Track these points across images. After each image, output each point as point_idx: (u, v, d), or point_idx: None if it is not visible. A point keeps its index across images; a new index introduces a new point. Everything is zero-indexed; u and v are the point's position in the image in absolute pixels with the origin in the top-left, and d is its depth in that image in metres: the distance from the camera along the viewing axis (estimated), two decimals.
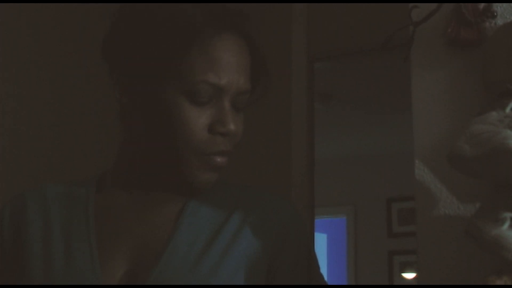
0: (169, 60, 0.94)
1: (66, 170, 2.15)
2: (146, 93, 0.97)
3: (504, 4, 1.22)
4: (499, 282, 0.95)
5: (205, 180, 0.98)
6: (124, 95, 0.99)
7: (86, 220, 1.01)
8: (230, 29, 0.99)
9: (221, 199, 1.04)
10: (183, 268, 0.94)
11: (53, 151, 2.22)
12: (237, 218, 1.00)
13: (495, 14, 1.21)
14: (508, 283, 0.95)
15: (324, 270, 6.44)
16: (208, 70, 0.94)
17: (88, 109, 2.32)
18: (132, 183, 1.04)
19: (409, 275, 5.44)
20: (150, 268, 0.95)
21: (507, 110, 1.03)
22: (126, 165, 1.04)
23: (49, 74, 2.19)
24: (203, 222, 1.00)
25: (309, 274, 1.05)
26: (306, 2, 2.87)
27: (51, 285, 0.95)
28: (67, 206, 1.04)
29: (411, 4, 1.27)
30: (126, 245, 0.99)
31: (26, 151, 2.10)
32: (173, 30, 0.94)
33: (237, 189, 1.07)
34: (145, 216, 1.01)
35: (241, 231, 0.99)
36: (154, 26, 0.95)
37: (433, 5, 1.22)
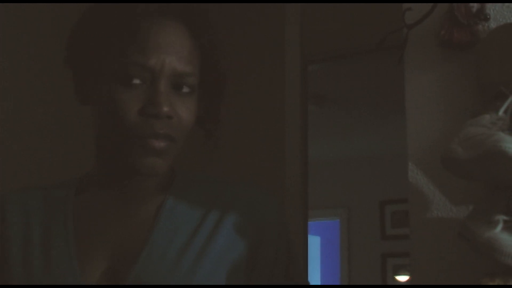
0: (108, 49, 0.97)
1: (64, 169, 2.14)
2: (96, 88, 0.99)
3: (497, 7, 1.22)
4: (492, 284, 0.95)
5: (146, 165, 0.96)
6: (82, 96, 1.03)
7: (65, 222, 1.02)
8: (165, 15, 0.99)
9: (201, 195, 1.04)
10: (162, 267, 0.94)
11: (52, 152, 2.21)
12: (215, 215, 1.00)
13: (488, 16, 1.21)
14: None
15: (317, 272, 6.44)
16: (135, 52, 0.95)
17: (86, 108, 2.31)
18: (108, 182, 1.04)
19: (403, 278, 5.45)
20: (129, 267, 0.95)
21: (500, 112, 1.03)
22: (101, 165, 1.05)
23: (49, 74, 2.19)
24: (182, 219, 1.00)
25: (288, 269, 1.04)
26: (299, 2, 2.88)
27: (49, 285, 0.95)
28: (47, 209, 1.04)
29: (404, 7, 1.27)
30: (104, 245, 0.99)
31: (25, 151, 2.09)
32: (113, 21, 0.97)
33: (219, 185, 1.06)
34: (123, 215, 1.01)
35: (218, 227, 0.99)
36: (101, 21, 0.99)
37: (427, 8, 1.22)
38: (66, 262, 0.97)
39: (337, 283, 5.87)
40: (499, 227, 0.96)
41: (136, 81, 0.95)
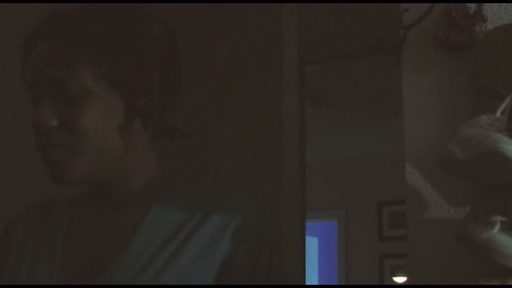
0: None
1: None
2: None
3: (495, 8, 1.22)
4: None
5: (53, 177, 0.97)
6: None
7: (56, 233, 1.04)
8: (46, 32, 1.00)
9: (186, 205, 1.03)
10: (128, 274, 0.95)
11: None
12: (192, 224, 0.99)
13: (486, 18, 1.21)
14: None
15: (315, 273, 6.44)
16: (22, 72, 1.01)
17: None
18: (98, 195, 1.05)
19: (400, 279, 5.45)
20: (98, 274, 0.97)
21: (498, 113, 1.03)
22: None
23: None
24: (161, 229, 1.00)
25: (270, 278, 1.01)
26: (297, 3, 2.88)
27: (49, 285, 0.97)
28: (44, 221, 1.07)
29: (402, 7, 1.27)
30: (85, 255, 1.00)
31: (25, 151, 2.09)
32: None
33: (208, 196, 1.05)
34: (107, 226, 1.02)
35: (194, 235, 0.98)
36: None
37: (424, 8, 1.23)
38: (48, 272, 0.99)
39: (335, 284, 5.87)
40: (497, 228, 0.96)
41: (34, 100, 0.99)
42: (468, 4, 1.22)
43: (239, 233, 0.99)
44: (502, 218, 0.97)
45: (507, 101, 1.04)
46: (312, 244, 6.37)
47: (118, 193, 1.04)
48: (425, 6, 1.23)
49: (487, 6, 1.22)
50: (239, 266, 0.98)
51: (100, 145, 0.98)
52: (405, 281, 5.24)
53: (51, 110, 0.96)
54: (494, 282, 0.95)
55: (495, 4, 1.22)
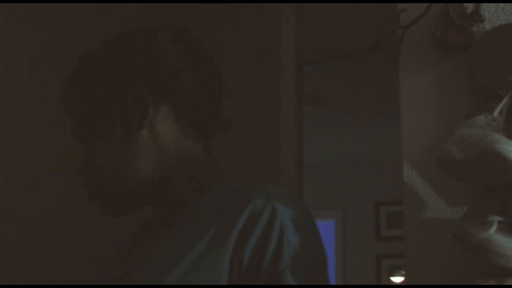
0: None
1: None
2: None
3: (492, 8, 1.22)
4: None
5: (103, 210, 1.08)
6: None
7: (128, 237, 1.15)
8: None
9: (215, 203, 1.02)
10: (152, 278, 0.95)
11: (52, 152, 2.21)
12: (214, 225, 0.97)
13: (483, 18, 1.21)
14: None
15: None
16: None
17: None
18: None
19: (398, 279, 5.45)
20: (129, 276, 0.99)
21: (495, 113, 1.03)
22: None
23: (49, 75, 2.19)
24: (190, 231, 0.99)
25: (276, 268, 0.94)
26: (295, 3, 2.88)
27: (53, 285, 0.99)
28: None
29: (399, 7, 1.27)
30: (130, 257, 1.07)
31: (25, 151, 2.09)
32: None
33: (234, 192, 1.03)
34: (158, 232, 1.07)
35: (205, 228, 0.97)
36: None
37: (422, 8, 1.23)
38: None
39: (332, 284, 5.87)
40: (494, 228, 0.96)
41: None
42: (466, 4, 1.22)
43: (246, 223, 0.95)
44: (500, 218, 0.97)
45: (504, 101, 1.04)
46: None
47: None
48: (422, 6, 1.23)
49: (484, 6, 1.22)
50: (247, 255, 0.93)
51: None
52: (403, 281, 5.25)
53: (84, 155, 1.09)
54: (492, 282, 0.95)
55: (493, 4, 1.22)
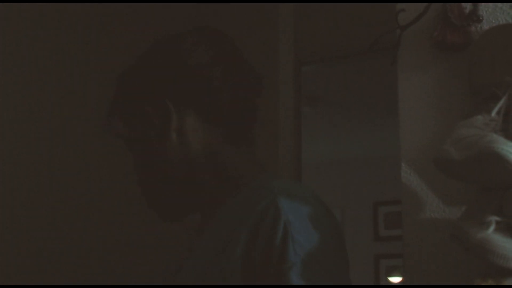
0: None
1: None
2: None
3: (490, 9, 1.22)
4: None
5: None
6: None
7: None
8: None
9: (237, 205, 1.03)
10: (199, 268, 0.99)
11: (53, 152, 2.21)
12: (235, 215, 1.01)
13: (481, 18, 1.21)
14: None
15: None
16: None
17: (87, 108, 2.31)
18: None
19: (396, 279, 5.45)
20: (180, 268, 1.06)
21: (493, 113, 1.03)
22: None
23: (51, 75, 2.18)
24: (223, 226, 1.02)
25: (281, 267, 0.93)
26: (293, 3, 2.88)
27: (53, 285, 1.00)
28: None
29: (398, 8, 1.27)
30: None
31: (25, 151, 2.08)
32: None
33: (252, 192, 1.04)
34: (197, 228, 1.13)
35: (225, 223, 1.03)
36: None
37: (420, 9, 1.23)
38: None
39: None
40: (492, 228, 0.96)
41: None
42: (464, 4, 1.23)
43: (256, 220, 0.96)
44: (497, 218, 0.97)
45: (502, 101, 1.04)
46: None
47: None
48: (421, 6, 1.23)
49: (482, 7, 1.22)
50: (256, 248, 0.94)
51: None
52: (401, 281, 5.25)
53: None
54: (490, 282, 0.95)
55: (491, 4, 1.22)
